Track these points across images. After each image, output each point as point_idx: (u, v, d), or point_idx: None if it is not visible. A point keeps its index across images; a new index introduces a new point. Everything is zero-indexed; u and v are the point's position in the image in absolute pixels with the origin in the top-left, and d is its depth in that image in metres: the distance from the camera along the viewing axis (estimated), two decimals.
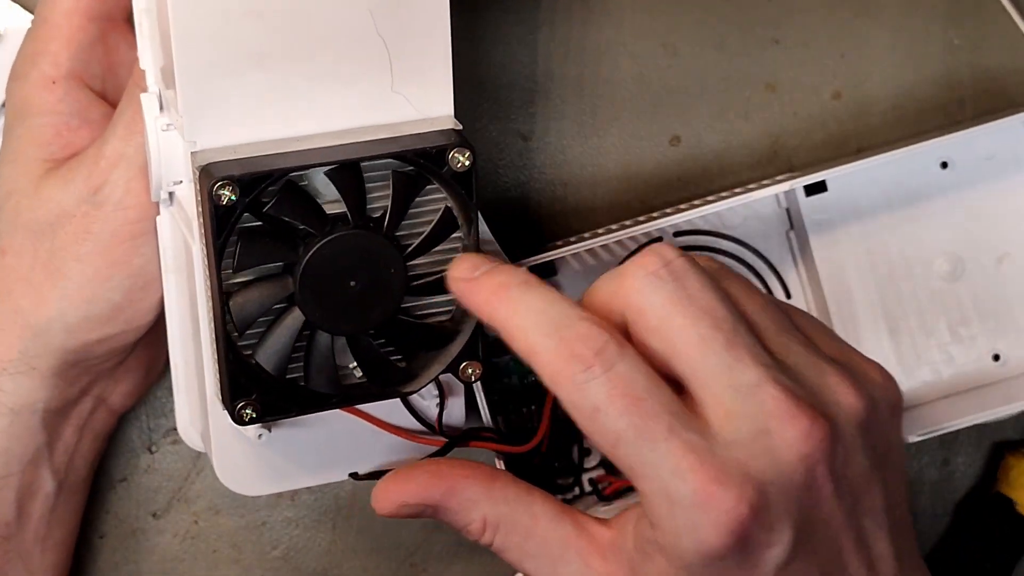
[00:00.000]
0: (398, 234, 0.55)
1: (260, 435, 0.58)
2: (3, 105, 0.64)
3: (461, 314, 0.56)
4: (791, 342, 0.52)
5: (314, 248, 0.53)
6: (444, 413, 0.61)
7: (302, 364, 0.55)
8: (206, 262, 0.53)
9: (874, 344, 0.70)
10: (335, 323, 0.54)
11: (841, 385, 0.51)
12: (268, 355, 0.54)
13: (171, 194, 0.57)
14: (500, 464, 0.63)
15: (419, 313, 0.56)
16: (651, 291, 0.50)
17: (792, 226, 0.70)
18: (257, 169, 0.52)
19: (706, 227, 0.69)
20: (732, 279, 0.53)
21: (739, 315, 0.51)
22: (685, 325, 0.50)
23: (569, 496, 0.68)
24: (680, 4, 0.70)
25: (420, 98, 0.55)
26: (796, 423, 0.49)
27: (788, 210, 0.70)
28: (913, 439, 0.66)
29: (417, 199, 0.55)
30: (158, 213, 0.58)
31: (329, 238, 0.53)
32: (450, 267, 0.54)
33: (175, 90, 0.53)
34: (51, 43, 0.60)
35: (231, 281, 0.53)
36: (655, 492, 0.49)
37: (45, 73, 0.60)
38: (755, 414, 0.49)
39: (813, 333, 0.54)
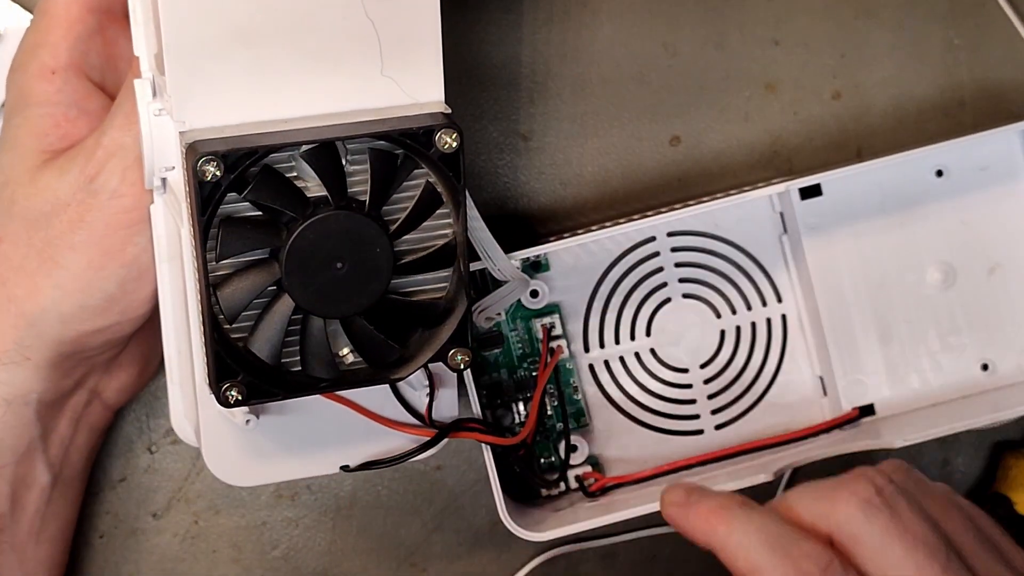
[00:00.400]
0: (386, 216, 0.55)
1: (248, 420, 0.58)
2: (3, 105, 0.64)
3: (455, 292, 0.56)
4: (991, 563, 0.53)
5: (297, 231, 0.53)
6: (436, 404, 0.61)
7: (295, 350, 0.55)
8: (193, 243, 0.53)
9: (865, 351, 0.70)
10: (324, 306, 0.54)
11: None
12: (261, 343, 0.54)
13: (164, 181, 0.57)
14: (487, 454, 0.63)
15: (409, 291, 0.56)
16: (866, 519, 0.52)
17: (785, 230, 0.70)
18: (242, 146, 0.52)
19: (700, 228, 0.69)
20: (932, 495, 0.54)
21: (947, 540, 0.52)
22: (903, 555, 0.51)
23: (555, 492, 0.68)
24: (680, 4, 0.70)
25: (410, 83, 0.55)
26: None
27: (782, 214, 0.70)
28: (899, 444, 0.66)
29: (405, 181, 0.55)
30: (152, 202, 0.58)
31: (311, 220, 0.53)
32: (663, 495, 0.55)
33: (167, 71, 0.53)
34: (50, 34, 0.61)
35: (218, 273, 0.54)
36: None
37: (44, 63, 0.60)
38: None
39: (1000, 543, 0.55)
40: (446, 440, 0.61)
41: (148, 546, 0.70)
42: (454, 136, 0.54)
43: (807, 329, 0.70)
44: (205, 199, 0.52)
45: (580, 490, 0.68)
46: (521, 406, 0.67)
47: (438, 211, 0.55)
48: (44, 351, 0.60)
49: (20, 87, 0.61)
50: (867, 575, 0.52)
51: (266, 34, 0.53)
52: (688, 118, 0.71)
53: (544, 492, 0.68)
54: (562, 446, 0.68)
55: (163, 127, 0.56)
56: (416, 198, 0.55)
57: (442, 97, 0.55)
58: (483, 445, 0.63)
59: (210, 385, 0.55)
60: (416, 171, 0.55)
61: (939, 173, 0.70)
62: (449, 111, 0.55)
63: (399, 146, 0.54)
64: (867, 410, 0.70)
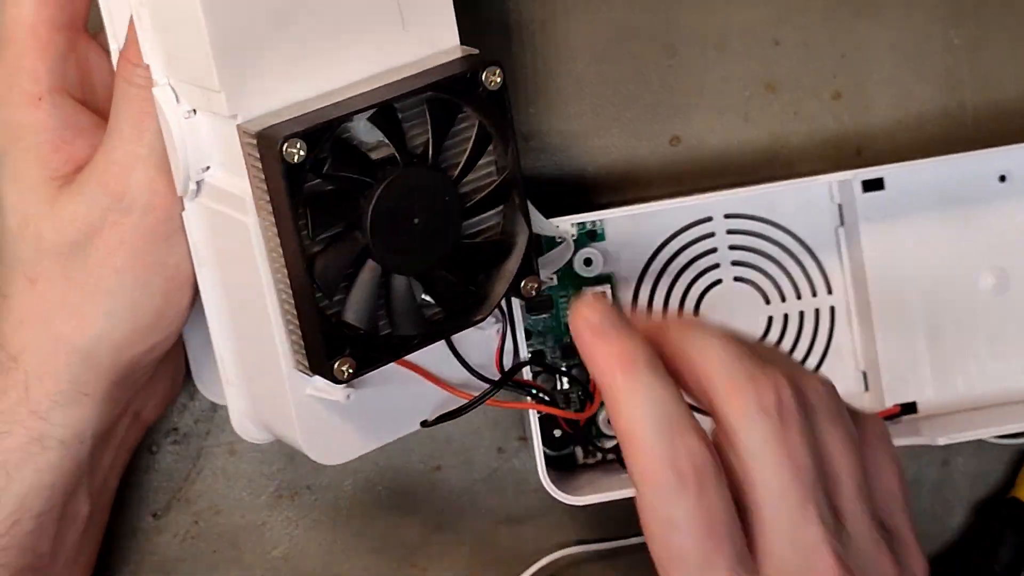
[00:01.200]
0: (441, 164, 0.55)
1: (348, 395, 0.57)
2: None
3: (514, 225, 0.57)
4: (859, 508, 0.53)
5: (376, 196, 0.54)
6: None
7: (380, 315, 0.56)
8: (276, 230, 0.53)
9: (912, 349, 0.70)
10: (409, 264, 0.55)
11: (889, 568, 0.52)
12: (356, 312, 0.54)
13: (199, 184, 0.56)
14: (533, 418, 0.64)
15: (475, 232, 0.57)
16: (753, 424, 0.51)
17: (843, 222, 0.70)
18: (317, 121, 0.52)
19: (757, 212, 0.70)
20: (834, 424, 0.53)
21: (822, 470, 0.52)
22: (770, 468, 0.51)
23: (591, 461, 0.69)
24: (681, 4, 0.71)
25: (429, 34, 0.56)
26: None
27: (840, 205, 0.70)
28: (941, 442, 0.66)
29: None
30: (183, 209, 0.57)
31: (385, 183, 0.54)
32: (576, 304, 0.52)
33: (210, 67, 0.53)
34: (24, 59, 0.59)
35: (310, 252, 0.54)
36: None
37: (28, 91, 0.59)
38: (806, 573, 0.50)
39: (885, 490, 0.54)
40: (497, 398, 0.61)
41: (148, 546, 0.70)
42: (497, 72, 0.55)
43: (855, 323, 0.70)
44: (293, 180, 0.52)
45: (616, 461, 0.69)
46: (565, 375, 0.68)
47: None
48: (100, 382, 0.59)
49: (7, 121, 0.59)
50: (732, 477, 0.51)
51: (297, 12, 0.54)
52: (688, 118, 0.71)
53: (581, 460, 0.69)
54: (602, 417, 0.68)
55: (193, 128, 0.55)
56: (472, 139, 0.55)
57: (458, 41, 0.56)
58: (529, 412, 0.63)
59: (316, 367, 0.55)
60: (459, 115, 0.56)
61: (1002, 178, 0.70)
62: (477, 51, 0.56)
63: (449, 93, 0.55)
64: (909, 408, 0.70)
